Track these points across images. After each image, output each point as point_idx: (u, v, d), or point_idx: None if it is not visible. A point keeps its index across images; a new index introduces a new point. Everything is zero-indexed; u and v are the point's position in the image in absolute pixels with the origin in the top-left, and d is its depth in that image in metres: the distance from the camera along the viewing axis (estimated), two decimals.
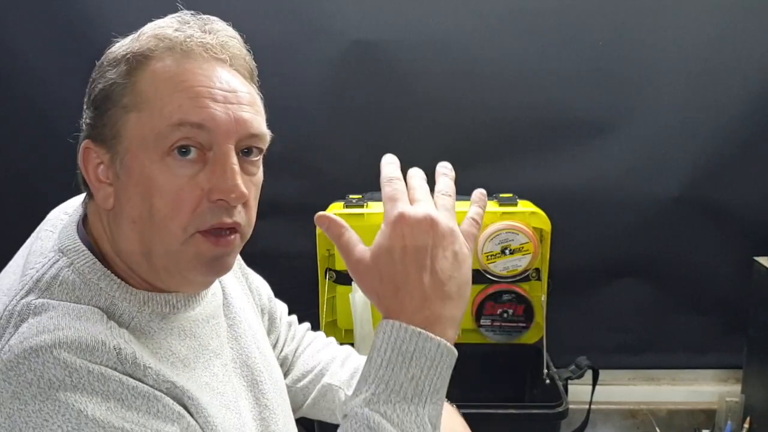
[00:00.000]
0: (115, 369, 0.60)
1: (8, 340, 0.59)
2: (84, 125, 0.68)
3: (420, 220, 0.60)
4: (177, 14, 0.70)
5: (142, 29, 0.69)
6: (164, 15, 0.71)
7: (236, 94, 0.67)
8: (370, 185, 1.47)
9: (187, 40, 0.66)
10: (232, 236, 0.68)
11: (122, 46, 0.68)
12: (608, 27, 1.44)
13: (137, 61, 0.66)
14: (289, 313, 1.05)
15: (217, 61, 0.67)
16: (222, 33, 0.69)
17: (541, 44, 1.45)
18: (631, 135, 1.49)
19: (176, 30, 0.67)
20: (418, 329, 0.59)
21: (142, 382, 0.61)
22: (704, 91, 1.45)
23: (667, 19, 1.43)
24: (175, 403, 0.63)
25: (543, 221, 1.33)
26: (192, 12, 0.70)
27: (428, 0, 1.44)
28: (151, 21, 0.70)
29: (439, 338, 0.59)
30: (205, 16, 0.70)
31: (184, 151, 0.64)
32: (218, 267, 0.69)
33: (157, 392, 0.61)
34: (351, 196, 1.39)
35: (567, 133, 1.49)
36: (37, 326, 0.59)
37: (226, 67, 0.68)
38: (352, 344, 1.16)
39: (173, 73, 0.65)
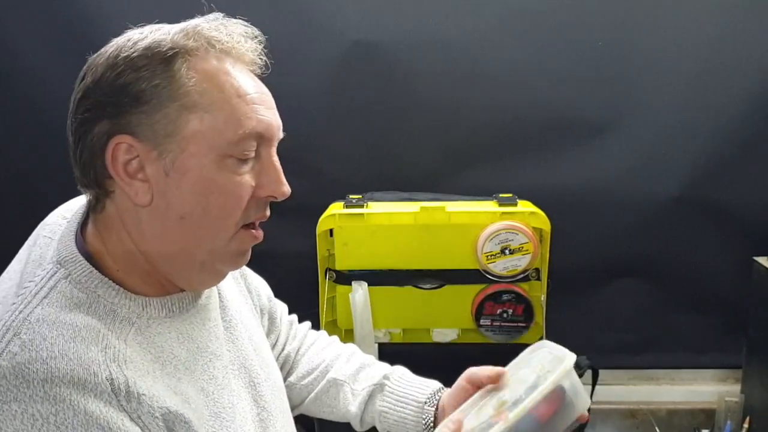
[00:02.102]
0: (109, 402, 0.60)
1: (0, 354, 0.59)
2: (107, 121, 0.65)
3: None
4: (211, 17, 0.71)
5: (181, 27, 0.68)
6: (164, 15, 0.71)
7: (270, 98, 0.72)
8: (370, 185, 1.47)
9: (238, 45, 0.69)
10: (260, 228, 0.74)
11: (160, 41, 0.66)
12: (608, 27, 1.44)
13: (193, 61, 0.66)
14: (289, 313, 1.06)
15: (255, 66, 0.72)
16: (256, 39, 0.72)
17: (541, 44, 1.45)
18: (631, 135, 1.49)
19: (226, 35, 0.69)
20: None
21: (137, 414, 0.61)
22: (704, 91, 1.45)
23: (667, 19, 1.43)
24: None
25: (543, 221, 1.33)
26: (222, 14, 0.71)
27: (428, 0, 1.44)
28: (151, 21, 0.70)
29: None
30: (237, 20, 0.72)
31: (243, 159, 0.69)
32: (245, 259, 0.74)
33: None
34: (351, 196, 1.39)
35: (567, 133, 1.49)
36: (30, 350, 0.59)
37: (256, 72, 0.73)
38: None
39: (231, 77, 0.68)
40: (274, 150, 0.72)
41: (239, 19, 0.72)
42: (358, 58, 1.46)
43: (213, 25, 0.69)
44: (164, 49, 0.66)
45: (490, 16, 1.44)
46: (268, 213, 0.73)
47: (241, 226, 0.71)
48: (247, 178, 0.69)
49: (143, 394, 0.62)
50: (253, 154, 0.69)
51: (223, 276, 0.76)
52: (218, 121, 0.66)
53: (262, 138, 0.69)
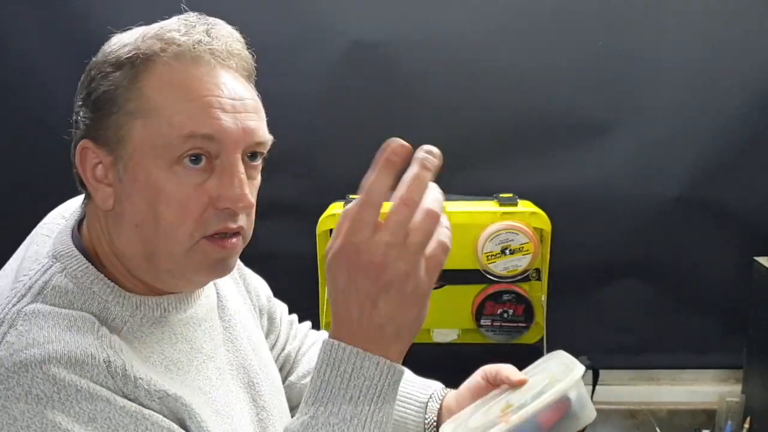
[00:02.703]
0: (106, 384, 0.60)
1: None
2: (81, 124, 0.67)
3: (366, 264, 0.56)
4: (182, 16, 0.69)
5: (146, 29, 0.68)
6: (165, 15, 0.71)
7: (243, 102, 0.67)
8: None
9: (196, 45, 0.66)
10: (235, 239, 0.69)
11: (124, 45, 0.66)
12: (608, 27, 1.44)
13: (144, 65, 0.65)
14: (289, 313, 1.05)
15: (224, 67, 0.67)
16: (228, 38, 0.69)
17: (541, 44, 1.45)
18: (631, 135, 1.49)
19: (184, 35, 0.66)
20: (356, 349, 0.57)
21: (134, 395, 0.61)
22: (704, 92, 1.45)
23: (667, 19, 1.43)
24: (164, 419, 0.63)
25: (543, 221, 1.33)
26: (197, 14, 0.69)
27: (429, 0, 1.44)
28: (153, 21, 0.70)
29: (378, 357, 0.57)
30: (210, 19, 0.69)
31: (194, 159, 0.64)
32: (222, 268, 0.70)
33: (145, 411, 0.61)
34: (351, 196, 1.39)
35: (567, 133, 1.49)
36: (27, 338, 0.59)
37: (231, 72, 0.68)
38: None
39: (182, 80, 0.65)
40: (237, 157, 0.65)
41: (241, 24, 0.71)
42: (358, 58, 1.45)
43: (175, 25, 0.67)
44: (121, 55, 0.65)
45: (490, 16, 1.44)
46: (234, 225, 0.67)
47: (203, 237, 0.66)
48: (198, 187, 0.65)
49: (140, 378, 0.62)
50: (201, 160, 0.64)
51: (202, 283, 0.74)
52: (162, 125, 0.63)
53: (212, 141, 0.64)
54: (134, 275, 0.69)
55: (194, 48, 0.66)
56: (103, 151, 0.66)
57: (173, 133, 0.63)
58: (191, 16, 0.69)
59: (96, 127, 0.66)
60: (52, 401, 0.57)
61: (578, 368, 0.75)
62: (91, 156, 0.67)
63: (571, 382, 0.73)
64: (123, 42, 0.67)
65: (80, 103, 0.68)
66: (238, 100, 0.66)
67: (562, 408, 0.74)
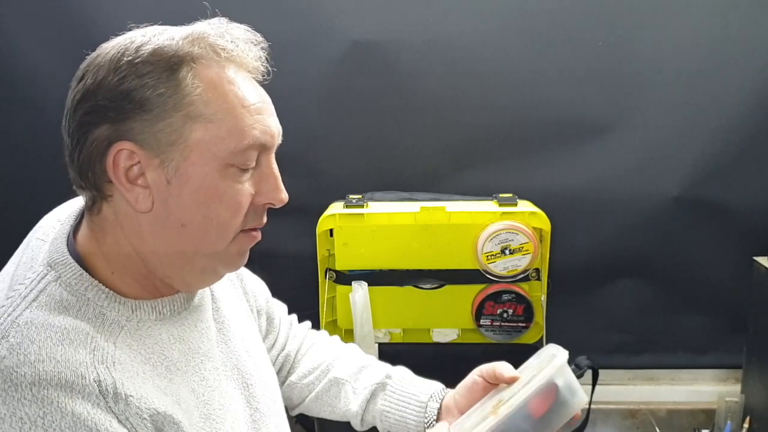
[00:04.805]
0: (97, 403, 0.60)
1: None
2: (108, 125, 0.65)
3: None
4: (216, 21, 0.70)
5: (184, 31, 0.68)
6: (165, 14, 0.71)
7: (271, 105, 0.72)
8: (370, 185, 1.47)
9: (242, 53, 0.69)
10: (258, 231, 0.74)
11: (167, 48, 0.65)
12: (608, 27, 1.44)
13: (198, 69, 0.66)
14: (289, 313, 1.06)
15: (258, 73, 0.72)
16: (259, 45, 0.72)
17: (541, 44, 1.45)
18: (631, 135, 1.49)
19: (231, 41, 0.68)
20: None
21: (125, 415, 0.61)
22: (704, 91, 1.45)
23: (667, 19, 1.43)
24: None
25: (543, 221, 1.33)
26: (227, 19, 0.71)
27: (428, 0, 1.44)
28: (152, 20, 0.70)
29: None
30: (237, 25, 0.71)
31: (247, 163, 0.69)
32: (245, 259, 0.75)
33: None
34: (351, 196, 1.39)
35: (567, 133, 1.49)
36: (18, 353, 0.59)
37: (258, 78, 0.72)
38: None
39: (239, 87, 0.68)
40: (272, 157, 0.72)
41: (243, 24, 0.72)
42: (358, 58, 1.46)
43: (218, 31, 0.69)
44: (169, 56, 0.65)
45: (490, 16, 1.44)
46: (264, 220, 0.74)
47: (241, 231, 0.71)
48: (247, 186, 0.70)
49: (131, 396, 0.62)
50: (254, 164, 0.70)
51: (221, 276, 0.77)
52: (222, 131, 0.66)
53: (263, 147, 0.70)
54: (152, 275, 0.70)
55: (241, 55, 0.69)
56: (148, 153, 0.65)
57: (238, 141, 0.67)
58: (224, 21, 0.71)
59: (141, 130, 0.64)
60: (35, 425, 0.57)
61: (561, 354, 0.76)
62: (127, 158, 0.65)
63: (554, 368, 0.74)
64: (161, 44, 0.66)
65: (102, 102, 0.64)
66: (270, 104, 0.71)
67: (551, 395, 0.75)
